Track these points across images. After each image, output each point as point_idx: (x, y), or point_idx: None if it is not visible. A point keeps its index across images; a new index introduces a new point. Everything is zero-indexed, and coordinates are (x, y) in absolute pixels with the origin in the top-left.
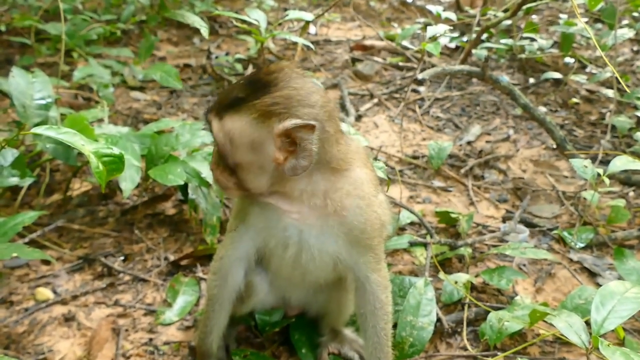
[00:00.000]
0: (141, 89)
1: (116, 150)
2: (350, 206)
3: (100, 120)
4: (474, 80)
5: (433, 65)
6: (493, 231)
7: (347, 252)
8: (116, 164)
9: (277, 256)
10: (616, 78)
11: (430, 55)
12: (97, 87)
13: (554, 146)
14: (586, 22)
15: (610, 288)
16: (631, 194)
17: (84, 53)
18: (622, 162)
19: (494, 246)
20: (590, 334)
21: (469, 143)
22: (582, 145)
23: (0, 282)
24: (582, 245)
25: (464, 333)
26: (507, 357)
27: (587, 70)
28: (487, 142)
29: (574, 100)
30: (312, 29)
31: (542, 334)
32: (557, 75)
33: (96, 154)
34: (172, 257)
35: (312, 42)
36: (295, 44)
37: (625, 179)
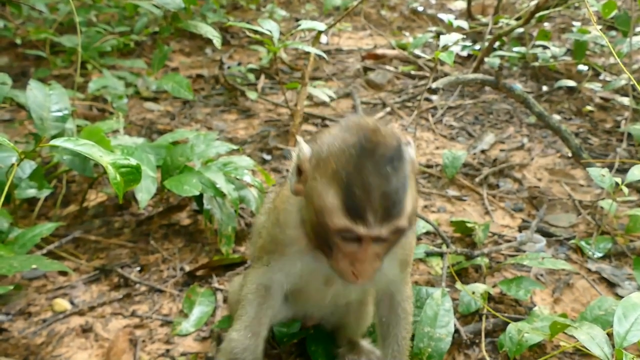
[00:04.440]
0: (154, 99)
1: (133, 161)
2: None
3: (116, 132)
4: (487, 88)
5: (446, 74)
6: (509, 241)
7: (394, 274)
8: (133, 174)
9: (313, 288)
10: (632, 85)
11: (442, 63)
12: (111, 98)
13: (569, 154)
14: (599, 30)
15: (633, 300)
16: None
17: (98, 65)
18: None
19: (511, 256)
20: (613, 346)
21: (482, 152)
22: (597, 154)
23: (18, 294)
24: (600, 255)
25: (482, 344)
26: None
27: (601, 77)
28: (502, 150)
29: (588, 108)
30: (323, 39)
31: (562, 346)
32: (571, 83)
33: (114, 165)
34: (187, 268)
35: (324, 52)
36: (307, 53)
37: None
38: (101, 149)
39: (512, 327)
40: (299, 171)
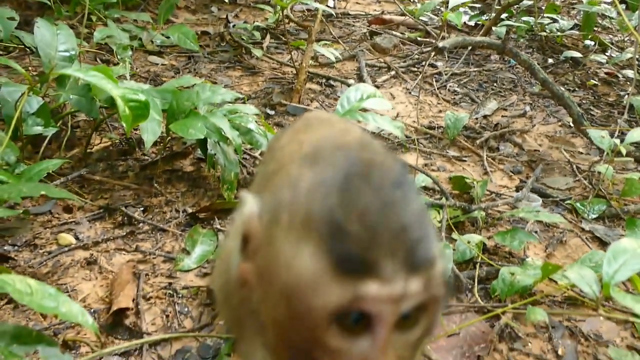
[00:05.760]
0: (159, 53)
1: (142, 97)
2: None
3: (122, 77)
4: (492, 57)
5: None
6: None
7: None
8: (141, 109)
9: None
10: (637, 59)
11: (449, 30)
12: (116, 48)
13: (571, 124)
14: (610, 3)
15: (623, 244)
16: None
17: (102, 16)
18: (639, 134)
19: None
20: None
21: (485, 117)
22: (598, 124)
23: (24, 227)
24: (594, 216)
25: (475, 289)
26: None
27: (607, 54)
28: (503, 116)
29: (593, 82)
30: (330, 2)
31: (556, 286)
32: (576, 54)
33: (123, 98)
34: (190, 210)
35: (331, 15)
36: (313, 15)
37: None
38: (111, 82)
39: (504, 270)
40: (245, 241)
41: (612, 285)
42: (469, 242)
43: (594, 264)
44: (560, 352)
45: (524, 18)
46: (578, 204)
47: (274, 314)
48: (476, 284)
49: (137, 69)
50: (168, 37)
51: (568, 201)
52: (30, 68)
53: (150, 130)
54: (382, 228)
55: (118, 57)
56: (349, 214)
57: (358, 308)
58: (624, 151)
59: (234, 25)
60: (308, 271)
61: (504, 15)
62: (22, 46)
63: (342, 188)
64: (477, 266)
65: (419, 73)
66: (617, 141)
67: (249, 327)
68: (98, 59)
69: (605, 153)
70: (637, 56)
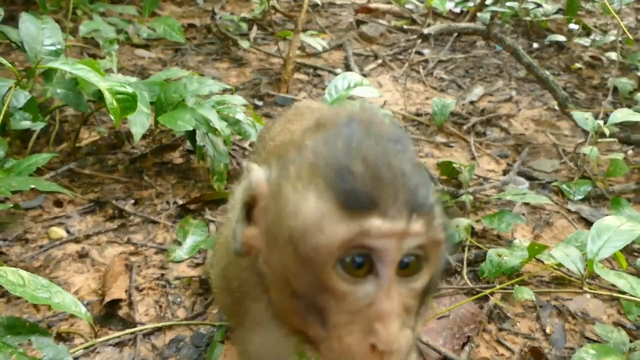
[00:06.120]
0: (146, 46)
1: (129, 89)
2: None
3: (109, 70)
4: (478, 43)
5: None
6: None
7: None
8: (129, 102)
9: None
10: (619, 40)
11: (435, 17)
12: (103, 42)
13: (556, 107)
14: None
15: (607, 222)
16: (630, 152)
17: (88, 10)
18: (622, 114)
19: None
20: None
21: (471, 103)
22: (583, 107)
23: (15, 222)
24: (580, 197)
25: (464, 271)
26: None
27: (592, 37)
28: (490, 102)
29: (577, 65)
30: None
31: (538, 272)
32: (561, 37)
33: (110, 91)
34: (180, 202)
35: (317, 5)
36: (299, 6)
37: (625, 138)
38: (98, 75)
39: (492, 252)
40: (249, 210)
41: (596, 262)
42: (457, 226)
43: (579, 243)
44: (548, 331)
45: (509, 4)
46: (564, 186)
47: (281, 267)
48: (465, 266)
49: (124, 62)
50: (154, 30)
51: (554, 183)
52: (16, 64)
53: (139, 122)
54: (384, 171)
55: (104, 50)
56: (353, 159)
57: (363, 244)
58: (607, 132)
59: (220, 17)
60: (315, 211)
61: (488, 1)
62: (7, 41)
63: (346, 140)
64: (466, 249)
65: (405, 61)
66: (601, 122)
67: (250, 308)
68: (84, 54)
69: (590, 135)
70: (619, 39)
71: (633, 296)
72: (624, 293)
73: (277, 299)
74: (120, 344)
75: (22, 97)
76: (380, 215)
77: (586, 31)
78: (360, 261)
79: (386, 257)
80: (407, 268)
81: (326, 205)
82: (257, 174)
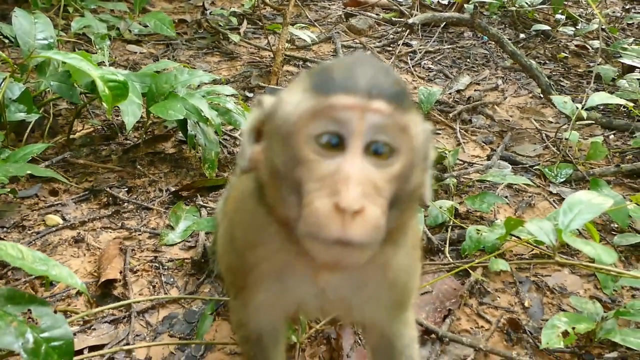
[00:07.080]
0: (137, 42)
1: (120, 77)
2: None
3: (102, 64)
4: (465, 34)
5: None
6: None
7: (388, 316)
8: (121, 89)
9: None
10: (603, 29)
11: (423, 10)
12: (94, 37)
13: (541, 95)
14: None
15: (578, 196)
16: (612, 136)
17: (79, 7)
18: (600, 97)
19: (478, 181)
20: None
21: (458, 91)
22: (568, 94)
23: (12, 210)
24: (562, 180)
25: (447, 250)
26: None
27: (578, 27)
28: (476, 90)
29: (563, 54)
30: None
31: (519, 250)
32: (545, 27)
33: (102, 79)
34: (173, 189)
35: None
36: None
37: (607, 123)
38: (90, 64)
39: (471, 229)
40: (258, 133)
41: (565, 232)
42: (440, 207)
43: (557, 222)
44: (526, 304)
45: None
46: (546, 169)
47: (271, 155)
48: (447, 245)
49: (115, 57)
50: (146, 26)
51: (537, 167)
52: (10, 61)
53: (131, 112)
54: (357, 67)
55: (96, 46)
56: (335, 66)
57: (330, 116)
58: (584, 115)
59: (210, 12)
60: (295, 98)
61: None
62: (0, 37)
63: (335, 61)
64: (449, 229)
65: (394, 53)
66: (579, 106)
67: (254, 261)
68: (77, 50)
69: (572, 120)
70: (602, 27)
71: (601, 266)
72: (593, 261)
73: (270, 193)
74: (115, 321)
75: (17, 89)
76: (344, 93)
77: (572, 21)
78: (335, 142)
79: (350, 128)
80: (378, 154)
81: (304, 93)
82: (266, 103)
